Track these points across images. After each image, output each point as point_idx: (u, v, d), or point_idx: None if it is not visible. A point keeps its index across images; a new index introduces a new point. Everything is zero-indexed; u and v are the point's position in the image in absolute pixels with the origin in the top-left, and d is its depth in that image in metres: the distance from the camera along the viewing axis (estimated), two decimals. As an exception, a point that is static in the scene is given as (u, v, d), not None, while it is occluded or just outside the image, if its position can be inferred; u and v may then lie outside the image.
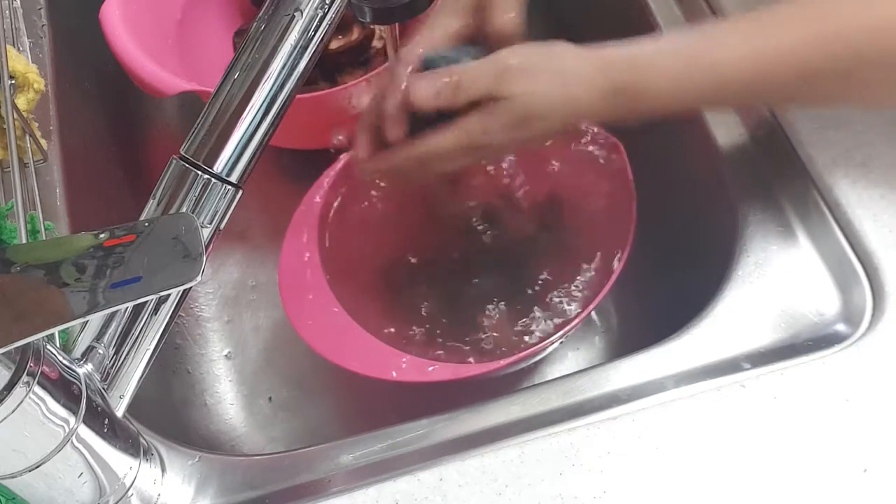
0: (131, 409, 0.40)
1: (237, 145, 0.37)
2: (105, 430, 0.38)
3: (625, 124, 0.47)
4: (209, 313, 0.71)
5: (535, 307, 0.60)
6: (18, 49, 0.61)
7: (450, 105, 0.47)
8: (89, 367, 0.38)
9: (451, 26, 0.50)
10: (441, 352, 0.58)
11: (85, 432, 0.36)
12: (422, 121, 0.48)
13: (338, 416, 0.66)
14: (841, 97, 0.48)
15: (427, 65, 0.49)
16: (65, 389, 0.35)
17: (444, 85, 0.46)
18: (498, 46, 0.47)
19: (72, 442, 0.36)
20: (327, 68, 0.72)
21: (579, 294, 0.58)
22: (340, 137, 0.56)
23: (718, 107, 0.48)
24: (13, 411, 0.32)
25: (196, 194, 0.36)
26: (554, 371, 0.66)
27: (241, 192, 0.38)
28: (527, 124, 0.46)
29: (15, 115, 0.52)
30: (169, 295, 0.38)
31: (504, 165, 0.65)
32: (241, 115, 0.37)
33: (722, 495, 0.41)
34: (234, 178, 0.37)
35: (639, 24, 0.64)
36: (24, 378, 0.32)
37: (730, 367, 0.46)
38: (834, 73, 0.43)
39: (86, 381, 0.37)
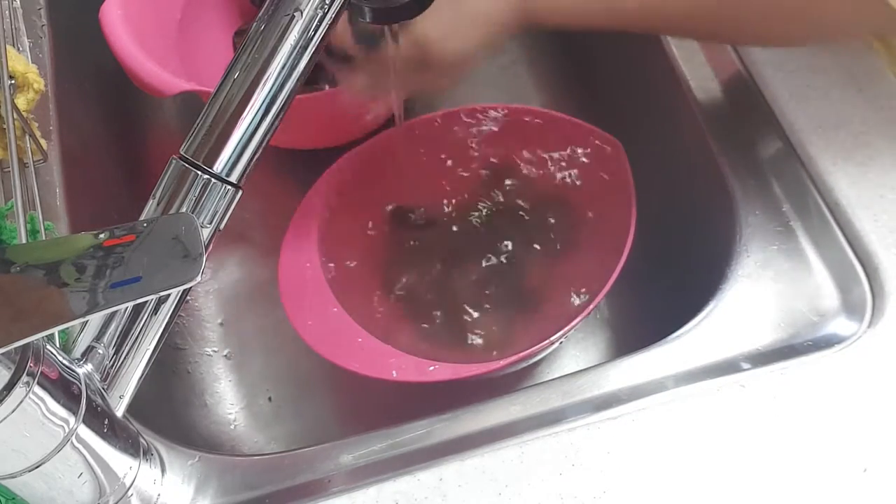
0: (131, 409, 0.40)
1: (237, 145, 0.37)
2: (105, 430, 0.38)
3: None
4: (209, 313, 0.71)
5: (536, 307, 0.60)
6: (18, 49, 0.61)
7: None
8: (89, 367, 0.38)
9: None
10: (441, 351, 0.58)
11: (85, 432, 0.36)
12: None
13: (338, 416, 0.66)
14: (727, 33, 0.51)
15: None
16: (65, 389, 0.35)
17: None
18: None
19: (72, 442, 0.36)
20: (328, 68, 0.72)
21: (579, 294, 0.58)
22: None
23: (617, 31, 0.51)
24: (13, 411, 0.32)
25: (196, 194, 0.36)
26: (554, 371, 0.66)
27: (240, 192, 0.38)
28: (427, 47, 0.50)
29: (15, 115, 0.52)
30: (169, 295, 0.38)
31: (504, 166, 0.66)
32: (240, 115, 0.37)
33: (722, 495, 0.41)
34: (233, 178, 0.37)
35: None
36: (24, 378, 0.32)
37: (730, 366, 0.46)
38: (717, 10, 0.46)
39: (85, 381, 0.37)
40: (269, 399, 0.67)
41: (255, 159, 0.38)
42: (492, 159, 0.66)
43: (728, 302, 0.49)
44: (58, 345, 0.47)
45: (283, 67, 0.37)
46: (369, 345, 0.53)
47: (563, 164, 0.63)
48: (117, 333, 0.38)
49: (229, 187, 0.37)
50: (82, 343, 0.39)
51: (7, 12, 0.63)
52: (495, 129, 0.64)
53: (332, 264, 0.60)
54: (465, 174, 0.66)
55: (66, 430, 0.35)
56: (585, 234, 0.60)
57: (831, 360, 0.45)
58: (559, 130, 0.62)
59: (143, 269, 0.31)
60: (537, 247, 0.62)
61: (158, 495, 0.43)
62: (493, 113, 0.64)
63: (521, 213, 0.65)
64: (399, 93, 0.56)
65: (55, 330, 0.29)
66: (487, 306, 0.60)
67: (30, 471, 0.35)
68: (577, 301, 0.56)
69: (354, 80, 0.55)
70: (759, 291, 0.49)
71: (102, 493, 0.40)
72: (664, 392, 0.45)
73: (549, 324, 0.53)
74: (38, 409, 0.34)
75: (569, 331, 0.52)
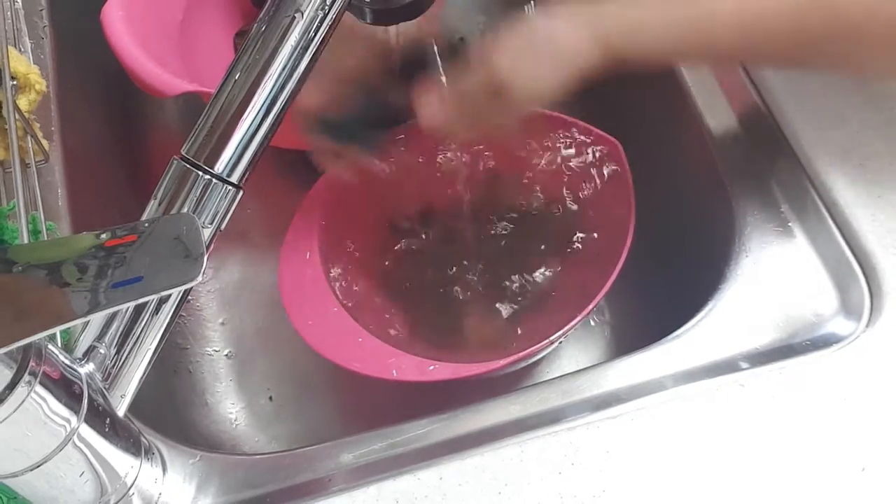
0: (132, 408, 0.40)
1: (238, 146, 0.37)
2: (106, 430, 0.38)
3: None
4: (210, 313, 0.71)
5: (535, 306, 0.60)
6: (20, 50, 0.62)
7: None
8: (91, 366, 0.38)
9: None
10: (441, 351, 0.58)
11: (86, 432, 0.37)
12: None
13: (338, 415, 0.67)
14: (834, 62, 0.47)
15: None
16: (66, 389, 0.35)
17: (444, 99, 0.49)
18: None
19: (73, 441, 0.36)
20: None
21: (579, 293, 0.58)
22: None
23: (710, 65, 0.48)
24: (15, 411, 0.32)
25: (197, 195, 0.37)
26: (554, 371, 0.66)
27: (241, 193, 0.38)
28: (520, 101, 0.47)
29: (16, 116, 0.52)
30: (170, 295, 0.38)
31: (503, 166, 0.66)
32: (241, 116, 0.37)
33: (721, 495, 0.41)
34: (234, 178, 0.37)
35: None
36: (26, 378, 0.32)
37: (728, 366, 0.46)
38: (828, 37, 0.42)
39: (87, 381, 0.37)
40: (270, 398, 0.67)
41: (256, 160, 0.38)
42: (491, 161, 0.66)
43: (727, 302, 0.49)
44: (59, 344, 0.47)
45: (284, 68, 0.37)
46: (369, 344, 0.53)
47: (562, 163, 0.63)
48: (119, 333, 0.38)
49: (230, 188, 0.37)
50: (84, 343, 0.39)
51: (9, 13, 0.63)
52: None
53: (332, 264, 0.60)
54: (465, 175, 0.66)
55: (68, 429, 0.36)
56: (584, 233, 0.60)
57: (830, 359, 0.45)
58: (558, 130, 0.62)
59: (145, 269, 0.31)
60: (536, 247, 0.62)
61: (160, 494, 0.43)
62: None
63: (520, 213, 0.65)
64: (466, 131, 0.53)
65: (57, 330, 0.29)
66: (487, 306, 0.60)
67: (31, 470, 0.35)
68: (576, 301, 0.56)
69: (434, 113, 0.51)
70: (758, 291, 0.49)
71: (104, 493, 0.40)
72: (663, 392, 0.46)
73: (549, 324, 0.53)
74: (39, 408, 0.34)
75: (568, 331, 0.52)
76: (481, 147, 0.65)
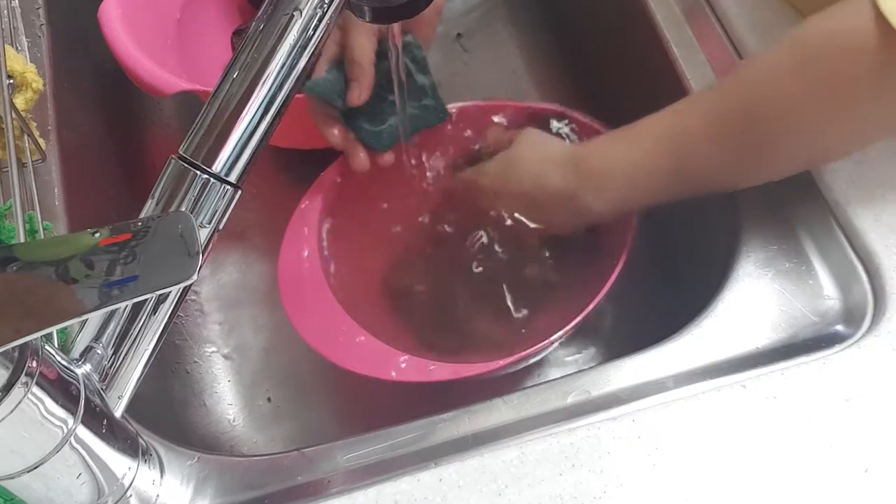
0: (130, 409, 0.40)
1: (236, 145, 0.37)
2: (104, 431, 0.38)
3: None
4: (208, 313, 0.70)
5: (535, 307, 0.60)
6: (17, 48, 0.61)
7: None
8: (88, 367, 0.38)
9: (329, 50, 0.57)
10: (441, 351, 0.58)
11: (83, 433, 0.36)
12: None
13: (337, 416, 0.66)
14: (757, 166, 0.49)
15: (309, 88, 0.55)
16: (63, 390, 0.35)
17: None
18: (354, 67, 0.55)
19: (70, 442, 0.36)
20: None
21: (579, 294, 0.57)
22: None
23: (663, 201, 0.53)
24: (11, 412, 0.32)
25: (195, 194, 0.36)
26: (554, 371, 0.66)
27: (239, 192, 0.38)
28: (506, 174, 0.57)
29: (13, 115, 0.52)
30: (167, 295, 0.38)
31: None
32: (239, 115, 0.36)
33: (722, 495, 0.41)
34: (232, 177, 0.37)
35: (639, 23, 0.64)
36: (23, 378, 0.32)
37: (730, 367, 0.46)
38: (737, 139, 0.46)
39: (84, 382, 0.37)
40: (269, 399, 0.66)
41: (254, 159, 0.37)
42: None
43: (729, 302, 0.49)
44: (56, 345, 0.46)
45: (282, 67, 0.37)
46: (369, 345, 0.53)
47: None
48: (116, 333, 0.38)
49: (228, 187, 0.37)
50: (81, 343, 0.39)
51: (5, 11, 0.63)
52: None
53: (332, 264, 0.60)
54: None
55: (65, 430, 0.35)
56: (585, 233, 0.60)
57: (832, 360, 0.45)
58: (559, 127, 0.62)
59: (140, 268, 0.31)
60: (537, 246, 0.62)
61: (157, 496, 0.43)
62: (493, 112, 0.64)
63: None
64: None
65: (53, 329, 0.29)
66: (487, 306, 0.60)
67: (28, 471, 0.35)
68: (576, 301, 0.56)
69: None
70: (760, 291, 0.49)
71: (101, 494, 0.39)
72: (664, 392, 0.45)
73: (549, 324, 0.53)
74: (36, 409, 0.33)
75: (568, 331, 0.52)
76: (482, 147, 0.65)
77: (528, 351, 0.52)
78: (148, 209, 0.37)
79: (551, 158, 0.56)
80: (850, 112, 0.43)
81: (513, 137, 0.59)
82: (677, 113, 0.50)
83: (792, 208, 0.52)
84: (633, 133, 0.52)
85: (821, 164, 0.51)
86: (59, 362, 0.36)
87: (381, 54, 0.55)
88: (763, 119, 0.45)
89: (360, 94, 0.55)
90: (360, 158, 0.58)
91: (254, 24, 0.37)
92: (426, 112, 0.60)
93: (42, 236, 0.52)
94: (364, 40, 0.55)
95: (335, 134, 0.58)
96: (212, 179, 0.36)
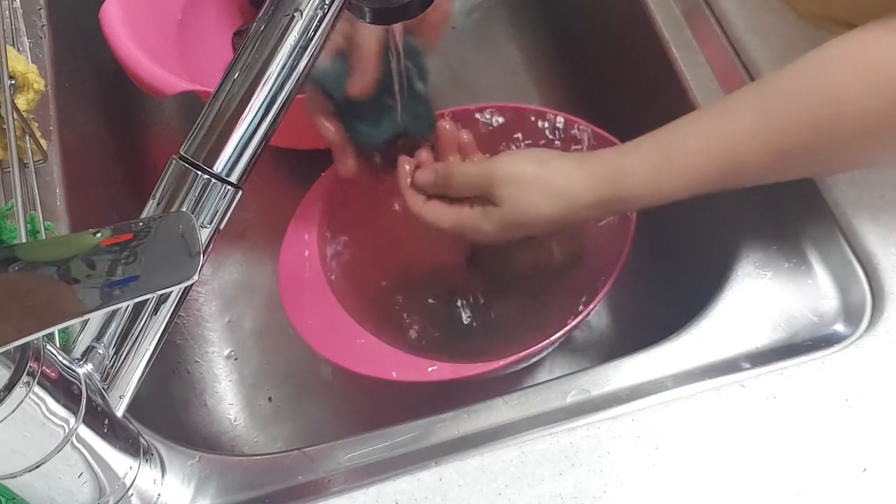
0: (131, 409, 0.40)
1: (237, 145, 0.37)
2: (105, 431, 0.38)
3: None
4: (209, 313, 0.71)
5: (535, 307, 0.60)
6: (18, 49, 0.61)
7: (443, 191, 0.55)
8: (89, 367, 0.38)
9: (334, 41, 0.55)
10: (441, 351, 0.58)
11: (85, 432, 0.36)
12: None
13: (338, 415, 0.66)
14: (815, 169, 0.50)
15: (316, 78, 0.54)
16: (65, 389, 0.35)
17: (437, 173, 0.55)
18: (359, 59, 0.53)
19: (72, 442, 0.36)
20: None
21: (579, 294, 0.58)
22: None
23: (698, 194, 0.50)
24: (13, 411, 0.32)
25: (196, 194, 0.36)
26: (554, 371, 0.66)
27: (240, 193, 0.38)
28: (514, 229, 0.52)
29: (15, 116, 0.52)
30: (169, 295, 0.38)
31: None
32: (240, 116, 0.36)
33: (722, 495, 0.41)
34: (233, 178, 0.37)
35: (639, 24, 0.64)
36: (24, 378, 0.32)
37: (729, 366, 0.46)
38: (799, 151, 0.45)
39: (86, 381, 0.37)
40: (270, 399, 0.67)
41: (255, 159, 0.37)
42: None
43: (728, 302, 0.49)
44: (58, 345, 0.47)
45: (283, 68, 0.37)
46: (369, 345, 0.53)
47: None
48: (117, 333, 0.38)
49: (229, 187, 0.37)
50: (82, 343, 0.39)
51: (7, 12, 0.63)
52: (493, 128, 0.64)
53: (332, 264, 0.60)
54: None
55: (67, 430, 0.35)
56: (585, 233, 0.60)
57: (831, 359, 0.45)
58: (560, 128, 0.62)
59: (141, 268, 0.31)
60: (536, 247, 0.62)
61: (158, 495, 0.43)
62: (492, 112, 0.64)
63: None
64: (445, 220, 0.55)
65: (54, 329, 0.29)
66: (487, 306, 0.60)
67: (30, 471, 0.35)
68: (576, 301, 0.56)
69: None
70: (759, 291, 0.49)
71: (102, 494, 0.40)
72: (664, 392, 0.45)
73: (549, 324, 0.53)
74: (38, 409, 0.34)
75: (568, 331, 0.52)
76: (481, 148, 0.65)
77: (528, 351, 0.52)
78: (149, 209, 0.37)
79: (570, 196, 0.50)
80: None
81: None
82: (723, 141, 0.46)
83: (791, 209, 0.52)
84: (676, 167, 0.47)
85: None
86: (60, 362, 0.36)
87: (384, 56, 0.55)
88: (833, 140, 0.44)
89: (361, 85, 0.54)
90: (348, 165, 0.57)
91: (255, 24, 0.37)
92: (417, 120, 0.59)
93: (43, 236, 0.52)
94: (371, 34, 0.53)
95: (328, 128, 0.56)
96: (213, 180, 0.36)
